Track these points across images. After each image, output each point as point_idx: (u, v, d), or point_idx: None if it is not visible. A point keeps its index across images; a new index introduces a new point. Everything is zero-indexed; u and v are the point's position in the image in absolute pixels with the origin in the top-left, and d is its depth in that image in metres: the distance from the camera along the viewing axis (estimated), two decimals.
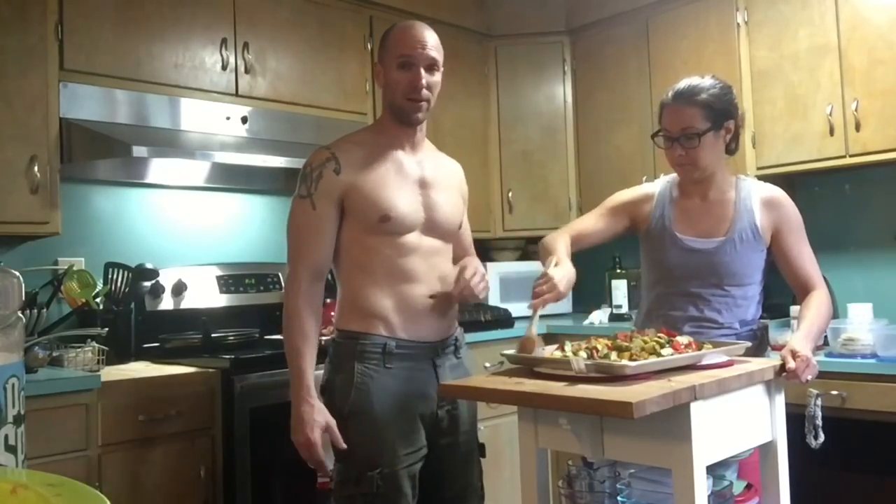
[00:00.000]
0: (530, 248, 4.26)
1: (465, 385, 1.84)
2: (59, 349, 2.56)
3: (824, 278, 2.14)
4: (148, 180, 3.10)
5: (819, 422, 1.96)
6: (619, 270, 3.81)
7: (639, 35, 3.72)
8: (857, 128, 2.97)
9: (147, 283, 2.92)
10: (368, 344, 1.94)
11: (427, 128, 2.11)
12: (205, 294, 3.10)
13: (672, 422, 1.53)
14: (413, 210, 2.00)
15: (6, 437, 1.40)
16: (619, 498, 1.73)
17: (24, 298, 1.58)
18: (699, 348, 1.78)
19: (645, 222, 2.19)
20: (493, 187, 4.04)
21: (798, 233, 2.11)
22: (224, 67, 3.01)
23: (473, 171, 3.84)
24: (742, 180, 2.16)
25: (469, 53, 3.94)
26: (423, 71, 1.96)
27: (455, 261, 2.15)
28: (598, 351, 1.72)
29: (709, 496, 1.61)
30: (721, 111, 2.05)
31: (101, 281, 2.85)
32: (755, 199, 2.11)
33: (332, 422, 1.89)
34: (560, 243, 2.07)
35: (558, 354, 1.78)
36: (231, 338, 2.94)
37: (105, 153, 2.62)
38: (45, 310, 2.61)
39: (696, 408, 1.54)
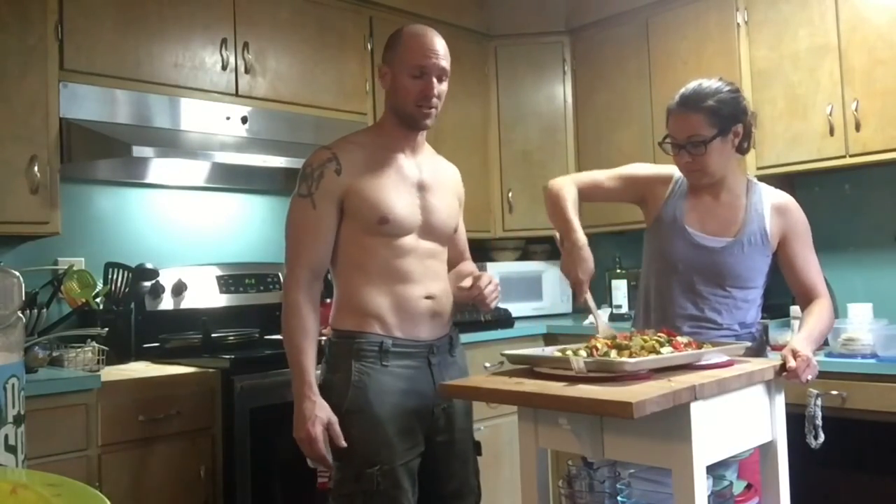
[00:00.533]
0: (530, 248, 4.27)
1: (466, 385, 1.84)
2: (59, 349, 2.56)
3: (825, 280, 2.14)
4: (148, 180, 3.10)
5: (819, 422, 1.95)
6: (619, 270, 3.81)
7: (639, 35, 3.72)
8: (857, 128, 2.97)
9: (147, 283, 2.92)
10: (365, 343, 1.95)
11: (427, 130, 2.11)
12: (205, 294, 3.10)
13: (672, 422, 1.54)
14: (410, 213, 2.01)
15: (6, 437, 1.40)
16: (619, 498, 1.73)
17: (24, 298, 1.58)
18: (699, 348, 1.78)
19: (656, 205, 2.16)
20: (493, 187, 4.04)
21: (805, 241, 2.10)
22: (224, 67, 3.01)
23: (473, 171, 3.86)
24: (754, 184, 2.15)
25: (469, 53, 3.94)
26: (434, 80, 1.97)
27: (451, 264, 2.17)
28: (597, 349, 1.73)
29: (709, 496, 1.61)
30: (728, 116, 2.02)
31: (101, 281, 2.85)
32: (766, 204, 2.10)
33: (334, 418, 1.89)
34: (569, 204, 2.07)
35: (558, 354, 1.78)
36: (231, 338, 2.94)
37: (105, 153, 2.62)
38: (45, 310, 2.61)
39: (696, 408, 1.54)
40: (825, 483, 2.62)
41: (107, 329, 2.60)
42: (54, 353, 2.54)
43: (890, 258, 3.23)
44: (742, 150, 2.10)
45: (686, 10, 3.53)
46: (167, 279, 3.00)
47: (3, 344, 1.43)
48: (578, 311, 4.02)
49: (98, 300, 2.80)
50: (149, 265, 2.87)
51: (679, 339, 1.79)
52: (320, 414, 1.87)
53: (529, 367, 1.81)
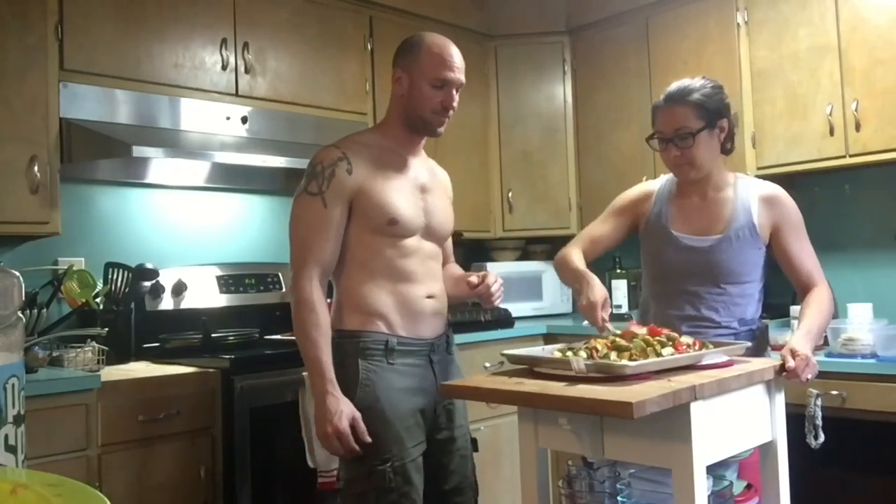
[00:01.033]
0: (530, 248, 4.27)
1: (466, 385, 1.84)
2: (59, 349, 2.56)
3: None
4: (148, 180, 3.10)
5: (819, 422, 1.96)
6: (619, 270, 3.81)
7: (639, 35, 3.72)
8: (857, 128, 2.97)
9: (147, 283, 2.92)
10: (370, 341, 1.96)
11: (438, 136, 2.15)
12: (205, 294, 3.10)
13: (672, 422, 1.54)
14: (415, 215, 2.03)
15: (6, 437, 1.40)
16: (619, 498, 1.73)
17: (24, 298, 1.58)
18: (702, 348, 1.78)
19: (644, 219, 2.21)
20: (493, 187, 4.03)
21: (798, 230, 2.11)
22: (224, 67, 3.01)
23: (473, 172, 3.86)
24: (740, 178, 2.17)
25: (469, 53, 3.88)
26: (453, 91, 2.04)
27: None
28: (597, 351, 1.72)
29: (709, 496, 1.61)
30: (714, 110, 2.06)
31: (101, 281, 2.85)
32: (753, 196, 2.11)
33: (358, 414, 1.88)
34: (574, 258, 2.15)
35: (558, 355, 1.78)
36: (231, 338, 2.94)
37: (105, 153, 2.62)
38: (45, 310, 2.61)
39: (696, 408, 1.54)
40: (825, 483, 2.62)
41: (107, 329, 2.61)
42: (54, 353, 2.54)
43: (890, 258, 3.23)
44: (726, 150, 2.13)
45: (686, 10, 3.53)
46: (167, 279, 3.00)
47: (3, 344, 1.43)
48: (578, 311, 4.02)
49: (98, 300, 2.80)
50: (149, 265, 2.87)
51: (682, 339, 1.79)
52: (345, 409, 1.87)
53: (529, 367, 1.81)
